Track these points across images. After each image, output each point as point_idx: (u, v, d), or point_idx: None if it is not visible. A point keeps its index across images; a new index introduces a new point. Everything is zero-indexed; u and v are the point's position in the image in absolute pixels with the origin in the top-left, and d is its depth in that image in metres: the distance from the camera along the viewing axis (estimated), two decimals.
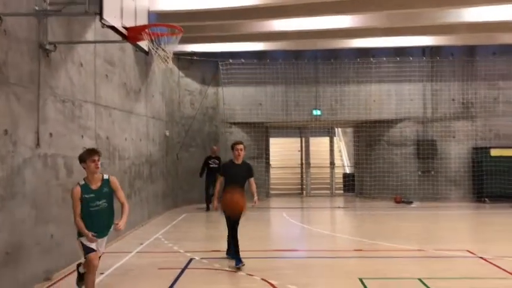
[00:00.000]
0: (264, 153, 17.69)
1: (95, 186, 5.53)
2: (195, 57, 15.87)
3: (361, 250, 8.83)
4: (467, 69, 16.30)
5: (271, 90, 16.58)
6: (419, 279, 6.62)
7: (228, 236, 7.95)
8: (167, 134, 14.54)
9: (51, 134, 7.02)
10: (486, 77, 16.24)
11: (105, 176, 5.66)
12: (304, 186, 19.32)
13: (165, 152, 14.32)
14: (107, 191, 5.61)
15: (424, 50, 16.37)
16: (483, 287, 6.35)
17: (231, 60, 16.25)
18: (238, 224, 7.70)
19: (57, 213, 7.16)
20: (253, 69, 16.31)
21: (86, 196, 5.47)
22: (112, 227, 5.67)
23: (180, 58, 15.66)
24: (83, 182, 5.53)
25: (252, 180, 7.97)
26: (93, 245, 5.50)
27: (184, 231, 11.29)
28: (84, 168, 5.53)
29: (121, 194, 5.71)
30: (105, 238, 5.78)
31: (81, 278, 5.82)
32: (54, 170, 7.12)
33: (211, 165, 14.52)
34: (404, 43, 14.93)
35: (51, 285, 6.65)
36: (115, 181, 5.72)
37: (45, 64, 6.88)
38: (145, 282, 6.81)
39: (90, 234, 5.41)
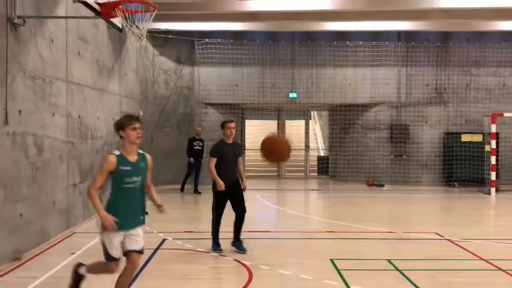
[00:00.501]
0: (240, 135, 17.67)
1: (132, 158, 4.61)
2: (170, 36, 15.60)
3: (333, 231, 8.97)
4: (441, 55, 16.50)
5: (247, 72, 16.48)
6: (388, 260, 6.77)
7: (236, 221, 7.35)
8: (141, 113, 14.34)
9: (20, 112, 6.83)
10: (459, 63, 16.48)
11: (140, 151, 4.78)
12: (279, 169, 19.41)
13: None
14: (144, 167, 4.69)
15: (399, 35, 16.48)
16: (449, 268, 6.53)
17: (207, 40, 16.05)
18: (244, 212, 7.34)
19: (26, 192, 7.02)
20: (229, 49, 16.14)
21: (122, 168, 4.50)
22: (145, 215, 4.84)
23: (155, 36, 15.38)
24: (118, 153, 4.58)
25: (240, 159, 7.46)
26: (117, 253, 4.56)
27: (157, 211, 11.22)
28: (121, 137, 4.64)
29: (150, 175, 4.84)
30: (140, 229, 4.71)
31: (76, 281, 4.90)
32: (23, 149, 6.95)
33: (195, 147, 14.22)
34: (380, 27, 14.99)
35: (20, 264, 6.55)
36: (150, 159, 4.84)
37: (14, 39, 6.66)
38: None
39: (110, 219, 4.36)
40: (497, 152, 14.73)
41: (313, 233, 8.97)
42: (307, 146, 19.78)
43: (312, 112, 22.51)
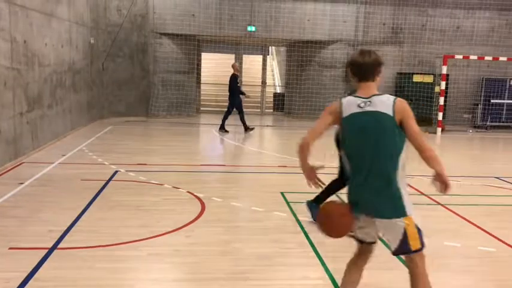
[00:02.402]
0: (196, 68, 17.32)
1: None
2: None
3: (285, 166, 9.18)
4: None
5: (204, 1, 15.87)
6: (336, 195, 7.03)
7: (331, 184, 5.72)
8: (92, 41, 13.72)
9: None
10: (416, 3, 16.53)
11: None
12: None
13: (89, 60, 13.58)
14: None
15: None
16: None
17: None
18: None
19: None
20: None
21: None
22: None
23: None
24: None
25: None
26: None
27: (109, 143, 11.06)
28: (377, 77, 3.36)
29: None
30: None
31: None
32: None
33: (239, 85, 13.71)
34: None
35: None
36: None
37: None
38: (68, 192, 6.70)
39: None
40: (446, 93, 15.22)
41: (266, 167, 9.15)
42: (264, 82, 19.70)
43: (270, 48, 22.24)
